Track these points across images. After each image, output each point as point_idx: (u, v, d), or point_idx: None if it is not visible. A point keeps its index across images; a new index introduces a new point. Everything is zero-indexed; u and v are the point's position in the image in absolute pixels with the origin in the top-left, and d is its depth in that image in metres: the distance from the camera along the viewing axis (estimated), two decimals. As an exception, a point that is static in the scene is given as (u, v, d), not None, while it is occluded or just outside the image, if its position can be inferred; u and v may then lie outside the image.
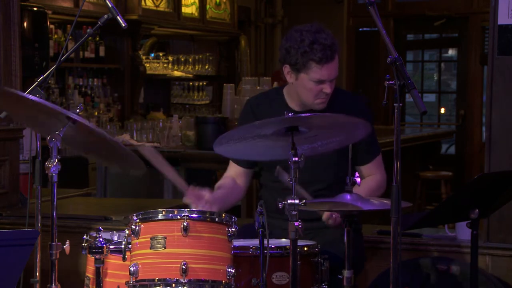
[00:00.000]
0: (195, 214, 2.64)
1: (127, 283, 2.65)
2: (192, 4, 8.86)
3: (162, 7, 8.27)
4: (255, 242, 2.73)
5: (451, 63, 11.33)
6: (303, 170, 2.60)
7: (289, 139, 2.61)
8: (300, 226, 2.56)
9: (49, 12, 6.44)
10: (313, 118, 2.71)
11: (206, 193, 3.08)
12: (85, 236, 2.93)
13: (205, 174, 6.34)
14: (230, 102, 6.65)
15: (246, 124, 2.70)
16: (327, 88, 3.15)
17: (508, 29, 3.49)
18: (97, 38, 7.81)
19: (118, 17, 2.89)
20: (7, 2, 4.31)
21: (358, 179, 2.82)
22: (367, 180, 3.30)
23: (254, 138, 2.69)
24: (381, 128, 8.06)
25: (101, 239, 2.82)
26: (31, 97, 2.64)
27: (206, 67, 9.70)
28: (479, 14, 9.95)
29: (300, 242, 2.70)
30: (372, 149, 3.33)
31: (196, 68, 9.55)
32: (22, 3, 5.43)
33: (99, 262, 2.83)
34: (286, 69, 3.19)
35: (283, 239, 2.98)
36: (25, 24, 5.90)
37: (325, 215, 3.09)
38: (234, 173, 3.35)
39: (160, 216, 2.65)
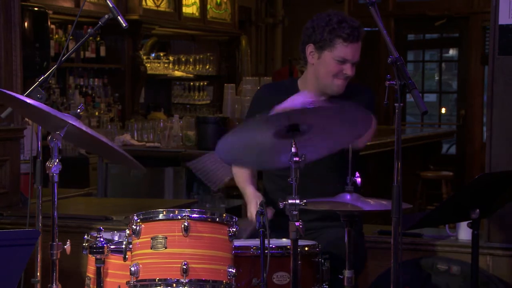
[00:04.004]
0: (196, 214, 2.64)
1: (127, 283, 2.66)
2: (192, 4, 8.86)
3: (163, 7, 8.28)
4: (256, 242, 2.73)
5: (451, 63, 11.33)
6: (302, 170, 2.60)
7: (290, 143, 2.60)
8: (301, 226, 2.56)
9: (50, 12, 6.44)
10: (313, 111, 2.67)
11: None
12: (86, 236, 2.94)
13: (205, 174, 6.34)
14: (231, 102, 6.65)
15: (250, 118, 2.67)
16: (348, 70, 3.16)
17: (509, 29, 3.49)
18: (98, 38, 7.82)
19: (119, 17, 2.90)
20: (8, 2, 4.31)
21: (359, 179, 2.82)
22: None
23: (257, 143, 2.66)
24: (382, 128, 8.06)
25: (102, 239, 2.82)
26: (29, 100, 2.64)
27: (207, 67, 9.70)
28: (480, 14, 9.95)
29: (300, 242, 2.70)
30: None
31: (197, 68, 9.56)
32: (23, 3, 5.44)
33: (100, 262, 2.83)
34: (309, 48, 3.20)
35: (284, 239, 2.98)
36: (26, 24, 5.91)
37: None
38: None
39: (161, 216, 2.65)
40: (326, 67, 3.17)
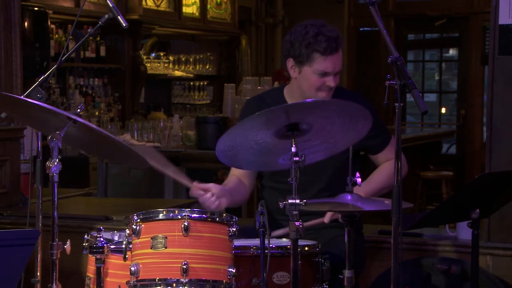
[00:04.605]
0: (196, 214, 2.64)
1: (127, 283, 2.65)
2: (193, 4, 8.86)
3: (163, 7, 8.28)
4: (256, 242, 2.72)
5: (452, 63, 11.33)
6: (303, 170, 2.60)
7: (289, 144, 2.60)
8: (301, 226, 2.56)
9: (50, 12, 6.44)
10: (314, 104, 2.66)
11: (212, 187, 3.07)
12: (86, 236, 2.94)
13: (205, 174, 6.34)
14: (231, 102, 6.65)
15: (247, 118, 2.64)
16: (331, 81, 3.14)
17: (509, 28, 3.49)
18: (98, 38, 7.81)
19: (119, 17, 2.90)
20: (8, 2, 4.31)
21: (359, 179, 2.82)
22: (386, 164, 3.31)
23: (256, 143, 2.66)
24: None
25: (102, 239, 2.82)
26: (30, 100, 2.64)
27: (207, 67, 9.70)
28: (480, 14, 9.95)
29: (301, 242, 2.70)
30: (384, 134, 3.31)
31: (197, 68, 9.55)
32: (23, 3, 5.43)
33: (100, 262, 2.83)
34: (290, 63, 3.18)
35: (284, 239, 2.98)
36: (26, 24, 5.91)
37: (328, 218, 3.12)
38: (238, 173, 3.33)
39: (161, 216, 2.65)
40: (308, 81, 3.15)
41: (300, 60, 3.14)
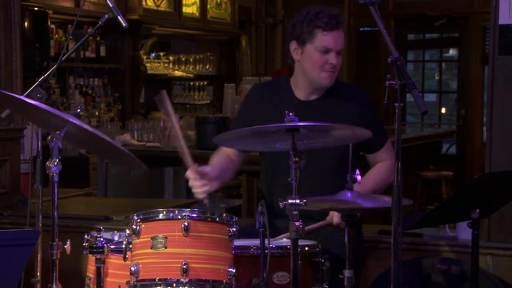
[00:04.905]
0: (196, 214, 2.64)
1: (127, 283, 2.65)
2: (193, 4, 8.86)
3: (163, 6, 8.28)
4: (256, 242, 2.72)
5: (452, 63, 11.33)
6: (303, 170, 2.61)
7: (288, 134, 2.61)
8: (301, 226, 2.56)
9: (50, 12, 6.44)
10: (313, 126, 2.69)
11: (210, 171, 3.08)
12: (86, 236, 2.94)
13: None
14: (231, 102, 6.66)
15: (245, 128, 2.72)
16: (333, 59, 3.17)
17: (509, 28, 3.49)
18: (98, 38, 7.81)
19: (119, 17, 2.90)
20: (8, 2, 4.31)
21: (359, 177, 2.82)
22: (380, 165, 3.32)
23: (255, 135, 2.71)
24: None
25: (102, 239, 2.82)
26: (29, 100, 2.64)
27: (207, 67, 9.70)
28: (480, 14, 9.95)
29: (301, 242, 2.70)
30: (382, 134, 3.33)
31: (197, 68, 9.55)
32: (23, 3, 5.43)
33: (100, 262, 2.83)
34: (293, 45, 3.23)
35: (284, 239, 2.98)
36: (26, 24, 5.91)
37: (336, 221, 3.12)
38: (229, 151, 3.34)
39: (161, 216, 2.65)
40: (311, 59, 3.18)
41: (302, 40, 3.19)
